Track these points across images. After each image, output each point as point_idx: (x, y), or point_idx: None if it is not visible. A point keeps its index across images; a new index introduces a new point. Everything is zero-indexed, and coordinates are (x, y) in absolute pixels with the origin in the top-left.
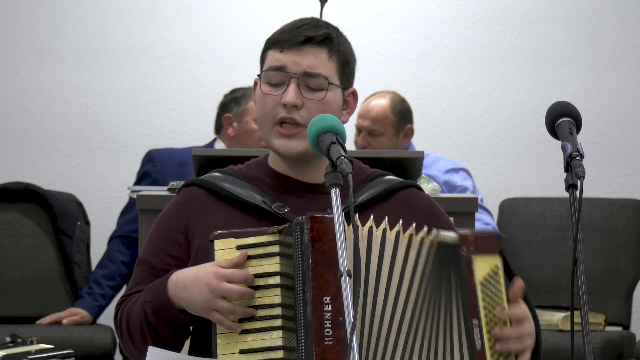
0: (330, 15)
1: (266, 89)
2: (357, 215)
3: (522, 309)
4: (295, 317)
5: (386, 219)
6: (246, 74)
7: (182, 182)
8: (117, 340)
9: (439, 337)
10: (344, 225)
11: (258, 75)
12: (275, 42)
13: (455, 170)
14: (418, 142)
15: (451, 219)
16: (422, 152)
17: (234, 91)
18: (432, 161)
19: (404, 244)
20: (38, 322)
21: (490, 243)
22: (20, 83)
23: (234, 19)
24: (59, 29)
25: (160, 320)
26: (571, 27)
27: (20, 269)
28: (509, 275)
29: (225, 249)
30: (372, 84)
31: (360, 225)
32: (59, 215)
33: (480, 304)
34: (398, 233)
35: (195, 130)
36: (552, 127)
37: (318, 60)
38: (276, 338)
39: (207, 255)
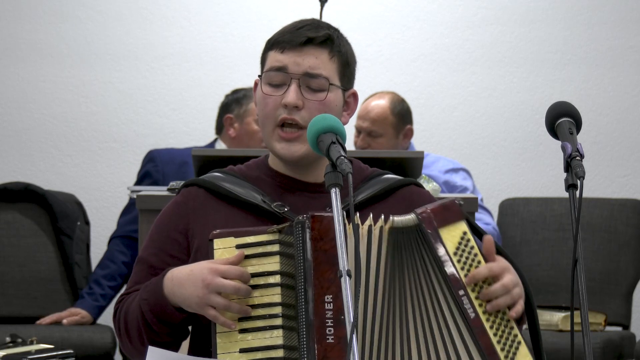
0: (330, 16)
1: (267, 89)
2: (357, 215)
3: (500, 263)
4: (297, 315)
5: (382, 217)
6: (246, 74)
7: (182, 182)
8: (117, 340)
9: (431, 318)
10: (345, 225)
11: (259, 76)
12: (276, 42)
13: (455, 170)
14: (418, 142)
15: None
16: (422, 152)
17: (235, 92)
18: (432, 161)
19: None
20: (38, 322)
21: (451, 213)
22: (20, 83)
23: (234, 19)
24: (59, 29)
25: (157, 318)
26: (571, 27)
27: (20, 269)
28: (479, 236)
29: (225, 248)
30: (372, 84)
31: (360, 224)
32: (59, 215)
33: (461, 273)
34: (382, 228)
35: (195, 130)
36: (552, 127)
37: (319, 61)
38: (276, 337)
39: (206, 255)
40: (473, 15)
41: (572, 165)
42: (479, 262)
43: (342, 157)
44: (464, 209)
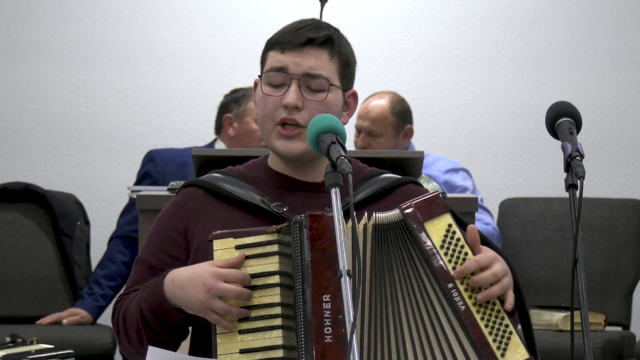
0: (330, 16)
1: (267, 89)
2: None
3: (487, 253)
4: (295, 315)
5: (365, 214)
6: (246, 74)
7: (182, 183)
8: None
9: (422, 312)
10: (344, 225)
11: (259, 76)
12: (277, 43)
13: (455, 170)
14: (418, 142)
15: None
16: (422, 152)
17: (234, 91)
18: (432, 161)
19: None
20: (38, 322)
21: (435, 206)
22: (20, 83)
23: (234, 19)
24: (59, 29)
25: (156, 318)
26: (571, 27)
27: (20, 269)
28: (465, 227)
29: (224, 248)
30: (372, 84)
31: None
32: (59, 215)
33: (449, 266)
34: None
35: (195, 130)
36: (552, 127)
37: (319, 62)
38: (276, 337)
39: (206, 255)
40: (473, 15)
41: (572, 165)
42: (466, 254)
43: (342, 157)
44: (466, 208)
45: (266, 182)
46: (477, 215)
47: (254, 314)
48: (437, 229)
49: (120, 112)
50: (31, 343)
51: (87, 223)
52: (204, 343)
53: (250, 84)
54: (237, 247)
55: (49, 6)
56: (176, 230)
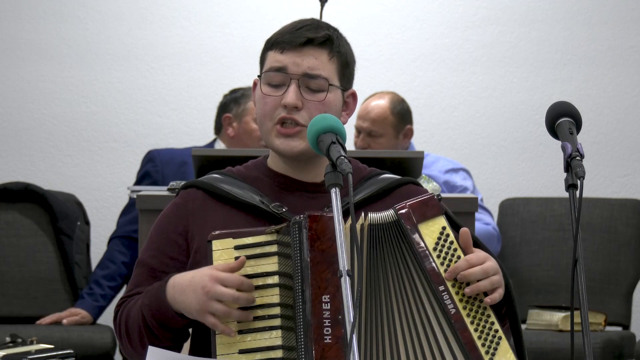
0: (330, 16)
1: (266, 89)
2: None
3: (478, 254)
4: (295, 316)
5: (362, 214)
6: (246, 74)
7: (182, 183)
8: (117, 342)
9: (414, 314)
10: (344, 225)
11: (258, 76)
12: (276, 43)
13: (455, 170)
14: (418, 142)
15: None
16: (422, 152)
17: (233, 91)
18: (432, 161)
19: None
20: (38, 322)
21: (429, 208)
22: (20, 83)
23: (234, 19)
24: (59, 29)
25: (159, 323)
26: (571, 27)
27: (20, 269)
28: (458, 229)
29: (224, 249)
30: (372, 85)
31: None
32: (59, 215)
33: (441, 268)
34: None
35: (195, 130)
36: (552, 127)
37: (318, 62)
38: (275, 337)
39: (205, 256)
40: (473, 15)
41: (572, 165)
42: (458, 257)
43: (342, 157)
44: (466, 208)
45: (265, 183)
46: (477, 215)
47: (253, 314)
48: (430, 231)
49: (120, 112)
50: (31, 343)
51: (87, 223)
52: (203, 343)
53: (250, 84)
54: (237, 248)
55: (49, 6)
56: (176, 231)
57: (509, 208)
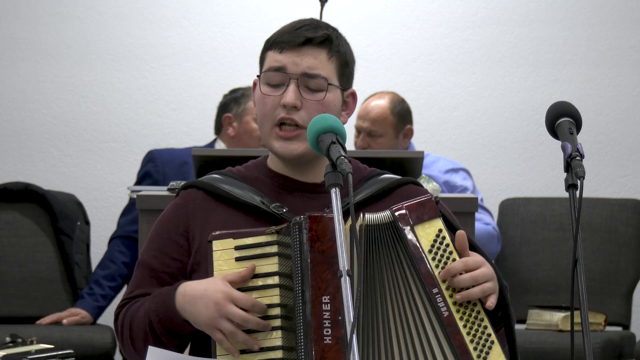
0: (330, 16)
1: (266, 89)
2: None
3: (475, 257)
4: (295, 317)
5: (361, 215)
6: (246, 74)
7: (182, 183)
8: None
9: (408, 316)
10: (344, 225)
11: (257, 76)
12: (275, 43)
13: (455, 170)
14: (418, 142)
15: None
16: (422, 152)
17: (233, 91)
18: (432, 161)
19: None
20: (38, 322)
21: (426, 210)
22: (20, 83)
23: (234, 19)
24: (59, 29)
25: (166, 330)
26: (571, 27)
27: (20, 269)
28: (455, 232)
29: (224, 249)
30: (372, 84)
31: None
32: (59, 215)
33: (435, 271)
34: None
35: (195, 130)
36: (552, 127)
37: (317, 61)
38: (275, 338)
39: (206, 256)
40: (473, 15)
41: (572, 165)
42: (454, 260)
43: (342, 157)
44: (466, 208)
45: (265, 183)
46: (477, 215)
47: (252, 314)
48: (426, 233)
49: (120, 112)
50: (31, 343)
51: (87, 223)
52: (203, 343)
53: (250, 84)
54: (237, 248)
55: (49, 6)
56: (177, 232)
57: (509, 208)
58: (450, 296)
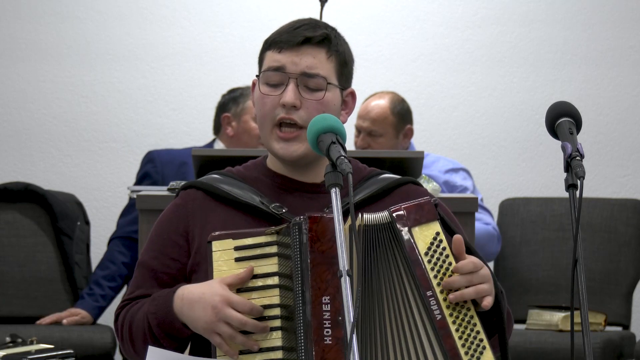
0: (330, 16)
1: (265, 89)
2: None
3: (470, 259)
4: (295, 317)
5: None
6: (246, 74)
7: (182, 183)
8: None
9: (403, 318)
10: (344, 225)
11: (257, 76)
12: (274, 42)
13: (455, 170)
14: (418, 142)
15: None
16: (422, 152)
17: (231, 91)
18: (432, 161)
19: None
20: (38, 322)
21: (425, 212)
22: (20, 83)
23: (234, 19)
24: (59, 29)
25: (164, 332)
26: (571, 27)
27: (20, 269)
28: (453, 235)
29: (224, 250)
30: (372, 84)
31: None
32: (59, 215)
33: (430, 274)
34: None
35: (195, 130)
36: (552, 127)
37: (316, 61)
38: (275, 338)
39: (205, 256)
40: (473, 15)
41: (572, 165)
42: (450, 264)
43: (342, 157)
44: (466, 208)
45: (265, 183)
46: (477, 215)
47: (252, 315)
48: (424, 236)
49: (120, 112)
50: (31, 343)
51: (87, 223)
52: (203, 344)
53: (250, 83)
54: (236, 249)
55: (49, 6)
56: (177, 232)
57: (509, 208)
58: (444, 299)
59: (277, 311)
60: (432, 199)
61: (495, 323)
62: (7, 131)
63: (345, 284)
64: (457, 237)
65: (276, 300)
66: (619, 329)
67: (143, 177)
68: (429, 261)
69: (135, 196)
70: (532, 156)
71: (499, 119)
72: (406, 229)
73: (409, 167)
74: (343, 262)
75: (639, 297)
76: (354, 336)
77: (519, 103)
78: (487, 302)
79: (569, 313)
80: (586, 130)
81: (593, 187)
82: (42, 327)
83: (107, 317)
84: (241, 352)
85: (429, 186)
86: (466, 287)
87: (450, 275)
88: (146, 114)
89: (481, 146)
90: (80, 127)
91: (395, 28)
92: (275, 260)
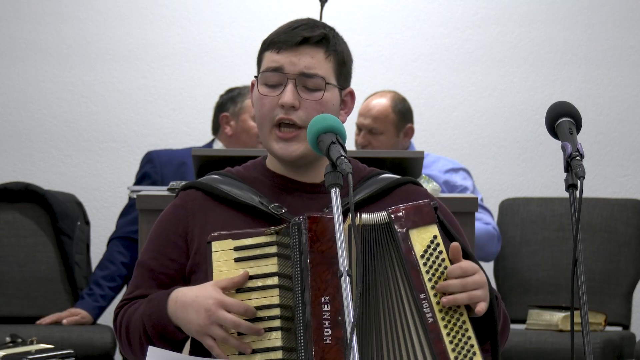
0: (330, 16)
1: (263, 90)
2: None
3: (467, 263)
4: (294, 317)
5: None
6: (246, 74)
7: (182, 183)
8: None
9: (397, 319)
10: (344, 225)
11: (255, 77)
12: (272, 43)
13: (455, 170)
14: (418, 142)
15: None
16: (422, 152)
17: (229, 91)
18: (432, 161)
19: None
20: (38, 322)
21: (423, 215)
22: (20, 83)
23: (234, 19)
24: (59, 29)
25: (158, 335)
26: (571, 27)
27: (20, 269)
28: (452, 239)
29: (223, 250)
30: (372, 84)
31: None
32: (59, 215)
33: (425, 277)
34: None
35: (195, 130)
36: (552, 127)
37: (315, 61)
38: (275, 339)
39: (205, 257)
40: (473, 15)
41: (572, 165)
42: (445, 268)
43: (342, 157)
44: (466, 208)
45: (264, 183)
46: (477, 215)
47: (245, 316)
48: (421, 238)
49: (120, 112)
50: (31, 343)
51: (87, 223)
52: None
53: (250, 84)
54: (236, 249)
55: (49, 6)
56: (176, 233)
57: (509, 208)
58: (438, 303)
59: (276, 311)
60: (432, 202)
61: (488, 329)
62: (7, 131)
63: (346, 283)
64: (455, 244)
65: (276, 300)
66: (619, 329)
67: (142, 178)
68: (425, 264)
69: (135, 196)
70: (532, 156)
71: (499, 119)
72: (404, 230)
73: (409, 167)
74: (343, 262)
75: (639, 297)
76: (354, 336)
77: (519, 103)
78: (480, 307)
79: (569, 313)
80: (586, 130)
81: (593, 187)
82: (42, 327)
83: (107, 317)
84: (241, 352)
85: (429, 186)
86: (460, 292)
87: (445, 279)
88: (146, 114)
89: (481, 146)
90: (80, 127)
91: (395, 28)
92: (274, 260)
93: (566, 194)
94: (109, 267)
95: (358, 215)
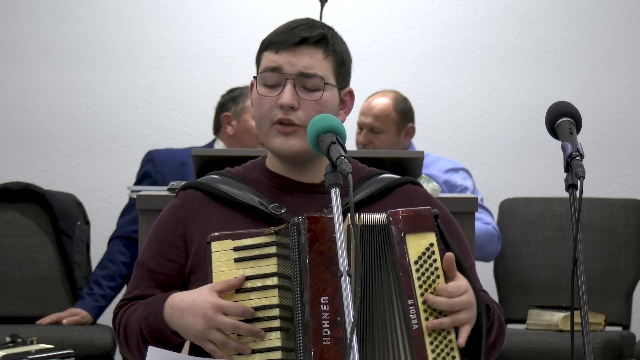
0: (330, 16)
1: (262, 90)
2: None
3: (457, 283)
4: (293, 317)
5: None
6: (246, 74)
7: (182, 183)
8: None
9: (387, 322)
10: (344, 225)
11: (254, 77)
12: (271, 43)
13: (455, 170)
14: (418, 142)
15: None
16: (422, 152)
17: (231, 91)
18: (432, 161)
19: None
20: (38, 322)
21: (422, 221)
22: (20, 83)
23: (234, 19)
24: (59, 29)
25: (155, 339)
26: (571, 27)
27: (20, 269)
28: (448, 249)
29: (223, 250)
30: (372, 84)
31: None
32: (59, 215)
33: (416, 283)
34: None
35: (195, 130)
36: (552, 127)
37: (314, 61)
38: (274, 339)
39: (205, 258)
40: (473, 15)
41: (572, 165)
42: (437, 277)
43: (342, 157)
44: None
45: (264, 183)
46: (477, 215)
47: (243, 317)
48: (417, 244)
49: (120, 112)
50: (31, 343)
51: (87, 223)
52: None
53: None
54: (236, 249)
55: (49, 6)
56: (175, 233)
57: (509, 208)
58: (425, 311)
59: (276, 311)
60: (434, 210)
61: (475, 344)
62: (7, 131)
63: (345, 283)
64: (449, 255)
65: (275, 300)
66: (619, 329)
67: (143, 177)
68: (417, 270)
69: (135, 196)
70: (532, 156)
71: (499, 119)
72: (401, 233)
73: (409, 167)
74: (343, 262)
75: (639, 297)
76: (354, 336)
77: (519, 103)
78: (462, 340)
79: (569, 313)
80: (586, 130)
81: (593, 187)
82: (42, 327)
83: (107, 317)
84: (240, 352)
85: (429, 186)
86: (447, 310)
87: (436, 288)
88: (146, 114)
89: (481, 146)
90: (80, 127)
91: (395, 28)
92: (274, 260)
93: (566, 194)
94: (109, 267)
95: (356, 215)
